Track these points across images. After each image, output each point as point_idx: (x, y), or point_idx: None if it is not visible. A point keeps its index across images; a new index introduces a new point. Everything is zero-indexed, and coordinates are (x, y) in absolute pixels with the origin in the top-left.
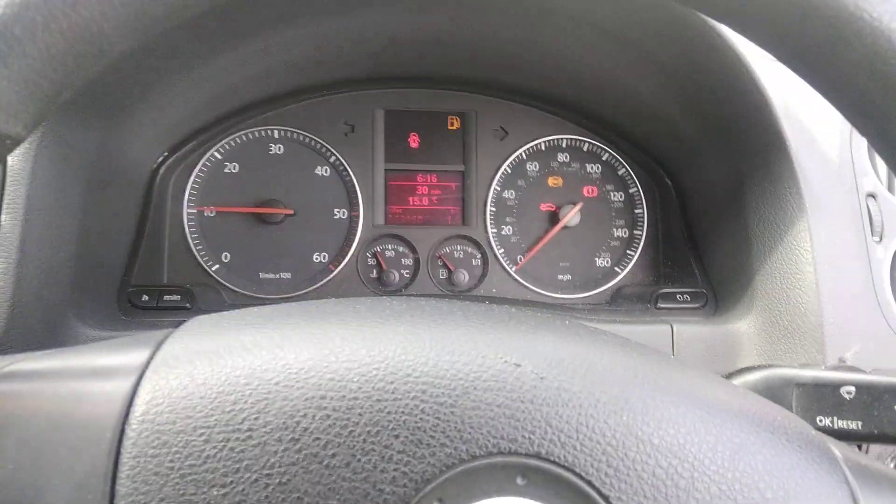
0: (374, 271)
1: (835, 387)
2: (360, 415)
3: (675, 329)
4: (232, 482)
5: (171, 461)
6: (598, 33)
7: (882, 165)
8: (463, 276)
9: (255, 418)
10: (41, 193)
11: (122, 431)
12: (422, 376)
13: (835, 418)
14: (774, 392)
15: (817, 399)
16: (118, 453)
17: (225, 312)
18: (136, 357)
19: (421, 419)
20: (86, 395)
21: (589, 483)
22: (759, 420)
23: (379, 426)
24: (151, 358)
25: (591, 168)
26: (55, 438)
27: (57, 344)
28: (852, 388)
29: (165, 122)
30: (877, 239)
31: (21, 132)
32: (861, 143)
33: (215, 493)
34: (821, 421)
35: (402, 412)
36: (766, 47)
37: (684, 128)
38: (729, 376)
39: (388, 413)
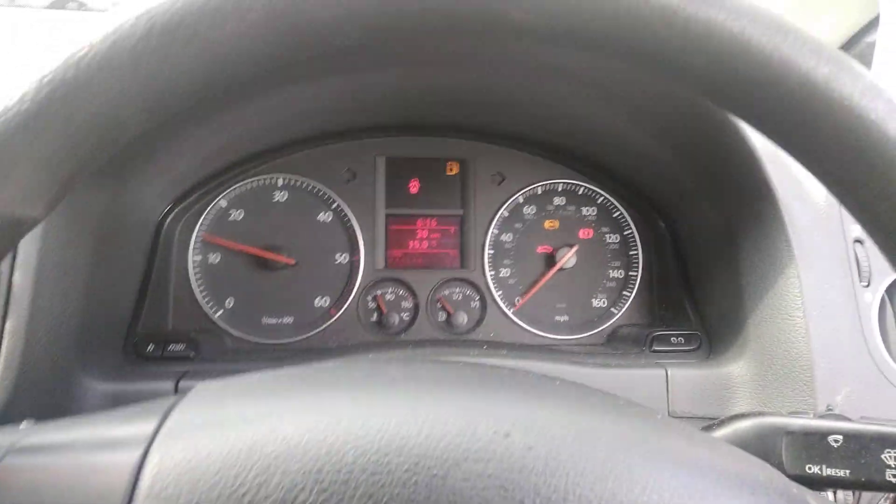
0: (375, 315)
1: (823, 435)
2: (355, 488)
3: (669, 373)
4: None
5: None
6: (596, 90)
7: None
8: (462, 319)
9: (256, 492)
10: (52, 252)
11: (131, 501)
12: (414, 448)
13: (823, 466)
14: (765, 440)
15: (806, 447)
16: None
17: (228, 379)
18: (143, 428)
19: (414, 491)
20: (96, 469)
21: None
22: (743, 478)
23: (373, 499)
24: (158, 429)
25: (587, 211)
26: None
27: (65, 397)
28: (840, 437)
29: (171, 175)
30: (864, 283)
31: (40, 214)
32: None
33: None
34: (810, 469)
35: (395, 484)
36: (743, 119)
37: (677, 176)
38: (720, 423)
39: (383, 486)
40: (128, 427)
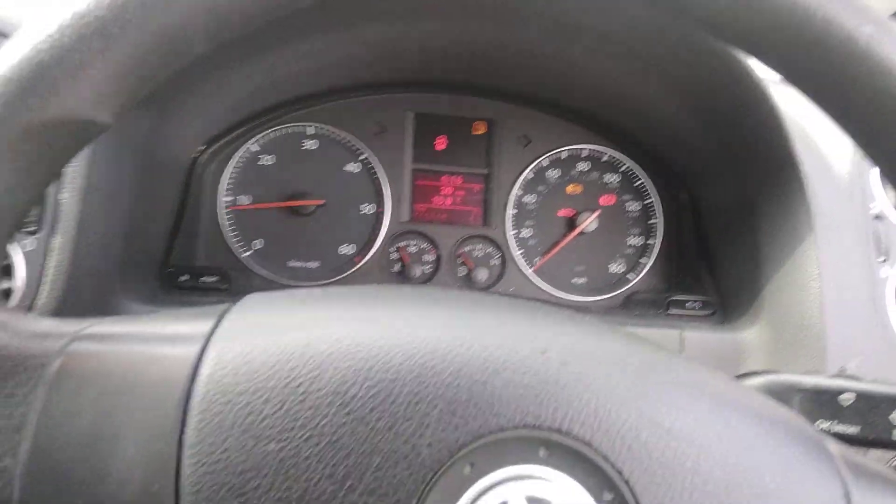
0: (398, 266)
1: (834, 394)
2: (402, 386)
3: (684, 334)
4: (287, 438)
5: (234, 418)
6: (624, 52)
7: (890, 189)
8: (482, 275)
9: (310, 384)
10: (98, 173)
11: (190, 391)
12: (458, 357)
13: (833, 423)
14: (777, 396)
15: (818, 405)
16: (186, 410)
17: (279, 291)
18: (201, 326)
19: (456, 394)
20: (157, 358)
21: (604, 457)
22: (763, 414)
23: (419, 397)
24: (215, 327)
25: (610, 178)
26: (129, 395)
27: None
28: (851, 396)
29: (208, 114)
30: (882, 259)
31: (107, 120)
32: (871, 167)
33: (272, 447)
34: (820, 424)
35: (440, 386)
36: (780, 72)
37: (701, 145)
38: (735, 378)
39: (427, 387)
40: (187, 325)
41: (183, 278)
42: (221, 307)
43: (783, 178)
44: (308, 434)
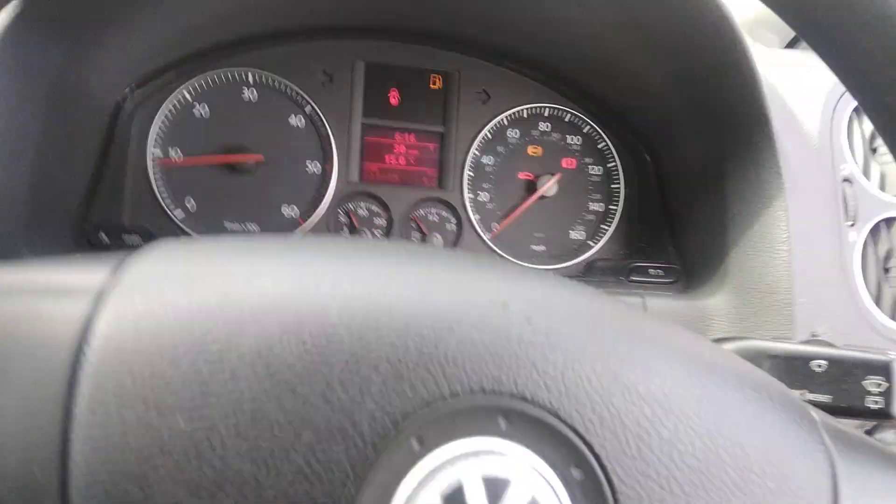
0: (346, 229)
1: (806, 360)
2: (338, 346)
3: (646, 301)
4: (199, 410)
5: (134, 387)
6: (596, 4)
7: (859, 151)
8: (436, 240)
9: (228, 344)
10: None
11: (80, 354)
12: (405, 311)
13: (805, 391)
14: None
15: (789, 371)
16: (75, 377)
17: (194, 238)
18: (96, 276)
19: (403, 355)
20: (42, 315)
21: (573, 429)
22: (743, 379)
23: (358, 358)
24: (113, 278)
25: (572, 140)
26: (8, 360)
27: None
28: (823, 362)
29: (134, 51)
30: (850, 223)
31: None
32: (841, 128)
33: (180, 420)
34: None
35: (384, 346)
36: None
37: (671, 102)
38: None
39: (369, 347)
40: (79, 275)
41: (100, 236)
42: (122, 253)
43: (753, 137)
44: (224, 405)
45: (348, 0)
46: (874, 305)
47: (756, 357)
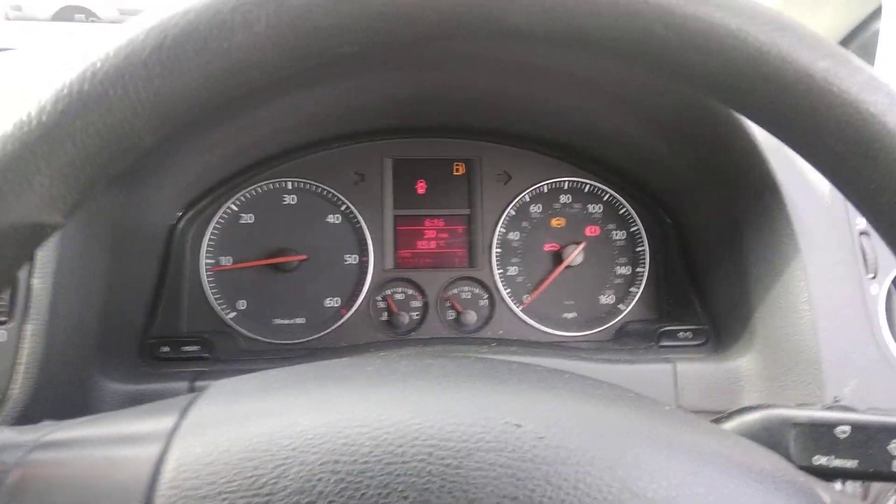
0: (385, 314)
1: (830, 426)
2: (371, 477)
3: (677, 368)
4: None
5: None
6: (599, 91)
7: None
8: (471, 317)
9: (275, 483)
10: (69, 257)
11: (151, 497)
12: (429, 439)
13: (831, 457)
14: (772, 432)
15: (814, 439)
16: None
17: (243, 377)
18: (162, 424)
19: (428, 480)
20: (117, 462)
21: None
22: (750, 467)
23: (389, 488)
24: (177, 425)
25: (593, 208)
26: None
27: (82, 398)
28: (847, 428)
29: (183, 181)
30: (871, 275)
31: (59, 221)
32: None
33: None
34: (818, 460)
35: (411, 474)
36: (744, 115)
37: (680, 172)
38: (728, 416)
39: (398, 475)
40: (147, 424)
41: (164, 349)
42: (184, 399)
43: (765, 201)
44: None
45: (374, 107)
46: None
47: (781, 425)
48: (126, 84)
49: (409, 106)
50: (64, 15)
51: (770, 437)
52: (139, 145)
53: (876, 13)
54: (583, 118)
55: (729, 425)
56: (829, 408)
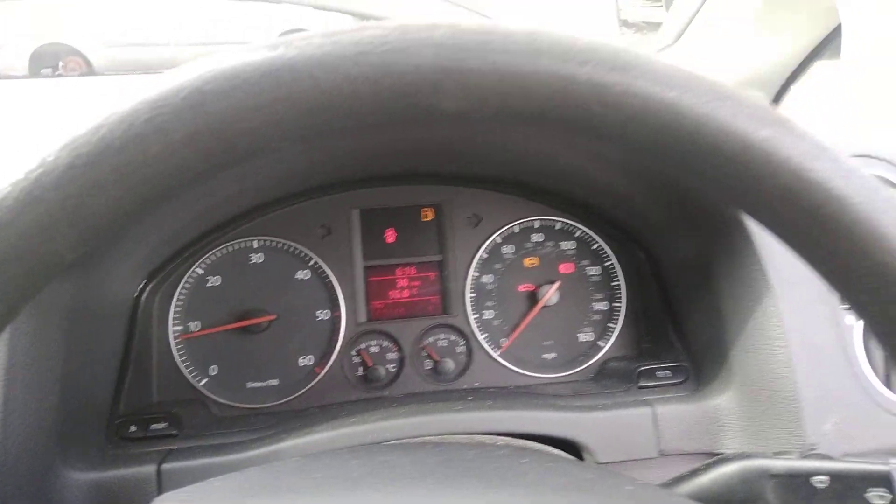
0: (361, 369)
1: (807, 476)
2: None
3: (656, 410)
4: None
5: None
6: (562, 139)
7: None
8: (449, 366)
9: None
10: (20, 350)
11: None
12: None
13: None
14: (750, 484)
15: (792, 490)
16: None
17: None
18: None
19: None
20: None
21: None
22: None
23: None
24: None
25: (566, 245)
26: None
27: (45, 491)
28: (825, 478)
29: (144, 250)
30: (846, 306)
31: None
32: None
33: None
34: None
35: None
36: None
37: (648, 211)
38: (706, 467)
39: None
40: None
41: (132, 430)
42: None
43: (732, 238)
44: None
45: (340, 162)
46: (884, 387)
47: (757, 476)
48: (39, 208)
49: (372, 157)
50: (33, 73)
51: (748, 488)
52: (60, 264)
53: (838, 30)
54: (550, 163)
55: (706, 477)
56: (806, 456)
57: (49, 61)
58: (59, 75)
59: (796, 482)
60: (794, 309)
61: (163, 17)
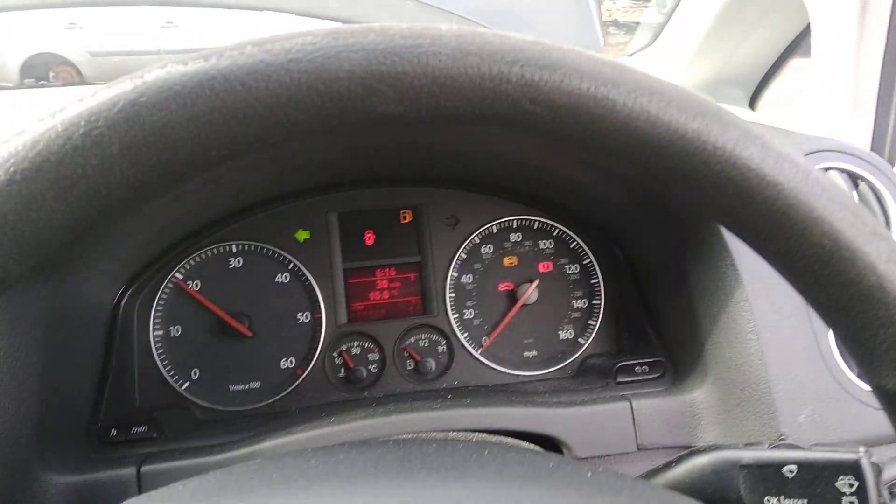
0: (342, 370)
1: (777, 466)
2: None
3: (634, 405)
4: None
5: None
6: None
7: None
8: (430, 366)
9: None
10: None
11: None
12: None
13: (781, 497)
14: (721, 475)
15: (762, 479)
16: None
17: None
18: None
19: None
20: None
21: None
22: None
23: None
24: None
25: (544, 244)
26: None
27: (23, 495)
28: (794, 467)
29: (121, 257)
30: None
31: None
32: None
33: None
34: (769, 501)
35: None
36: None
37: (623, 208)
38: (679, 460)
39: None
40: None
41: (112, 433)
42: None
43: (703, 232)
44: None
45: (318, 167)
46: (854, 377)
47: (729, 467)
48: None
49: (348, 161)
50: (21, 84)
51: (720, 479)
52: (6, 279)
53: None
54: (526, 164)
55: (680, 469)
56: (776, 446)
57: (40, 71)
58: (44, 85)
59: (766, 472)
60: (765, 302)
61: (150, 26)
